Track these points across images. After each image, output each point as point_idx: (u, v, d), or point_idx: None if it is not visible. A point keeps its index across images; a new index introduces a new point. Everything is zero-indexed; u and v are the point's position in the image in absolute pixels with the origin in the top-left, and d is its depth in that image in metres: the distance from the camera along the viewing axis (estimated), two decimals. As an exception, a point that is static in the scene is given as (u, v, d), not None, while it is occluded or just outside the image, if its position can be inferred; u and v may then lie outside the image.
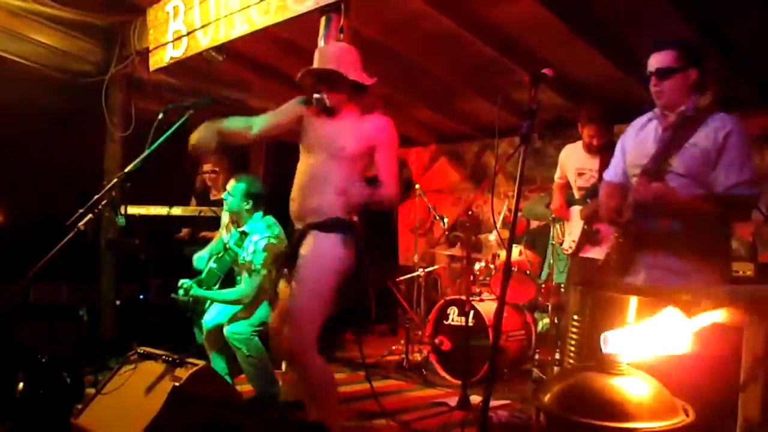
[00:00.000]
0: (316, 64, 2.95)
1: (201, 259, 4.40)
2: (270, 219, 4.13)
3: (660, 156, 2.65)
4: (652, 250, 2.68)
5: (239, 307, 3.98)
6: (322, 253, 2.83)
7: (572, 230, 4.48)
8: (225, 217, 4.42)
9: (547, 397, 1.41)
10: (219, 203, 5.34)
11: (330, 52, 3.01)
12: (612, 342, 1.36)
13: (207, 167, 5.62)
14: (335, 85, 2.91)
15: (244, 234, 4.09)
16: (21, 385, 3.23)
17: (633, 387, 1.38)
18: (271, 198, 4.19)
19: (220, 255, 4.29)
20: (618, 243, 2.77)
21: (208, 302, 4.19)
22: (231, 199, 4.09)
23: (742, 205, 2.66)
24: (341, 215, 2.88)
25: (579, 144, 4.43)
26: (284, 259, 3.03)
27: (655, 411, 1.33)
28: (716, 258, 2.67)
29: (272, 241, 3.97)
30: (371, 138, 2.91)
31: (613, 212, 2.77)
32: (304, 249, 2.85)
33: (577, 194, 4.45)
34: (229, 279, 4.31)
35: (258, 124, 3.07)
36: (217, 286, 4.23)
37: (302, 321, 2.77)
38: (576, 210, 4.43)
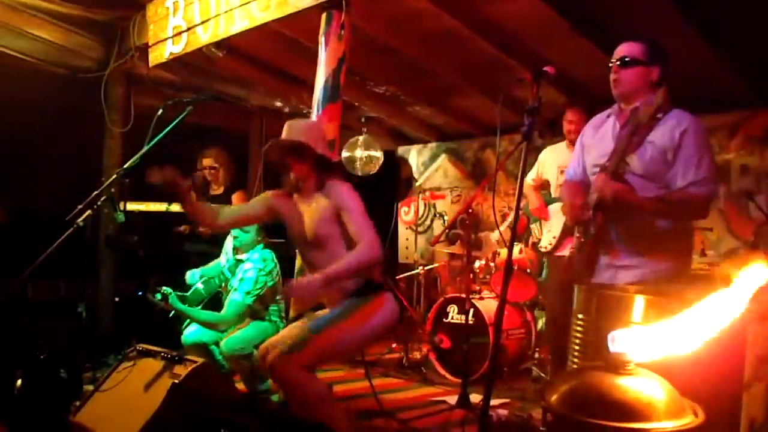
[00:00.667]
0: (284, 136, 3.00)
1: (192, 275, 4.38)
2: (268, 253, 4.11)
3: (617, 154, 2.64)
4: (613, 248, 2.69)
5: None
6: (369, 313, 2.91)
7: (551, 228, 4.59)
8: (228, 244, 4.38)
9: (554, 397, 1.39)
10: (217, 199, 5.33)
11: (299, 126, 3.06)
12: (619, 341, 1.34)
13: (207, 162, 5.59)
14: (301, 157, 2.97)
15: (239, 261, 4.09)
16: (19, 382, 3.23)
17: (642, 387, 1.36)
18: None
19: (210, 278, 4.29)
20: (580, 242, 2.78)
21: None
22: (244, 234, 4.06)
23: (698, 204, 2.65)
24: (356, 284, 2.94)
25: (561, 144, 4.59)
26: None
27: (665, 411, 1.31)
28: (676, 255, 2.67)
29: (261, 275, 3.98)
30: (332, 206, 2.93)
31: (578, 210, 2.77)
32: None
33: (557, 192, 4.54)
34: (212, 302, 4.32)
35: (225, 214, 3.17)
36: (199, 307, 4.21)
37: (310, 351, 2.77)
38: (556, 208, 4.51)
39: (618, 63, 2.72)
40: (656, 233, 2.63)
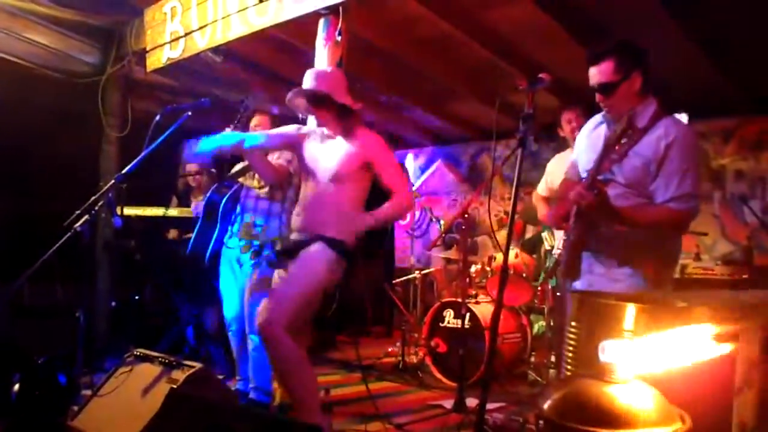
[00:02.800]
0: (306, 86, 3.11)
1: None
2: None
3: (600, 162, 2.50)
4: (592, 255, 2.67)
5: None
6: (321, 259, 3.02)
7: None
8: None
9: (546, 405, 1.43)
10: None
11: (321, 75, 3.17)
12: (609, 351, 1.37)
13: (191, 168, 5.55)
14: (324, 106, 3.10)
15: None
16: (17, 386, 3.23)
17: (630, 395, 1.39)
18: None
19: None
20: (564, 246, 2.77)
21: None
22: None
23: (677, 219, 2.57)
24: (341, 237, 3.04)
25: (567, 152, 4.47)
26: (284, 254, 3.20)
27: (652, 419, 1.35)
28: (655, 263, 2.60)
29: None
30: (362, 156, 3.09)
31: (558, 219, 2.86)
32: (306, 251, 3.03)
33: None
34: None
35: (251, 140, 3.35)
36: None
37: (281, 302, 2.97)
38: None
39: (597, 90, 2.63)
40: (636, 240, 2.57)
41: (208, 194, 4.37)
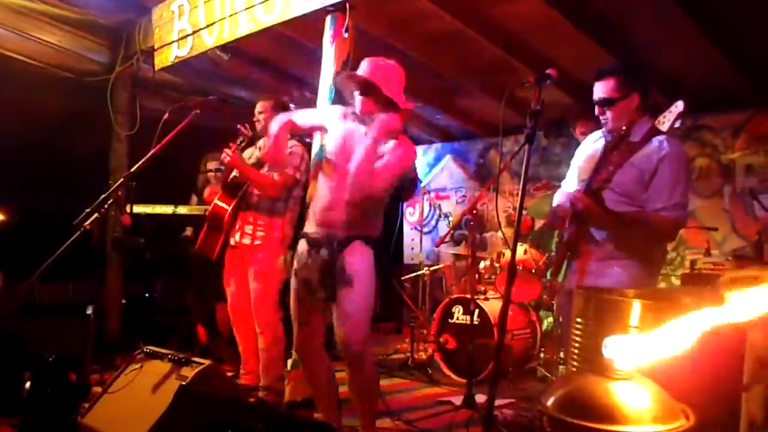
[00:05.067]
0: (360, 71, 3.02)
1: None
2: None
3: (599, 171, 2.77)
4: (583, 255, 2.82)
5: None
6: (367, 260, 2.97)
7: None
8: None
9: (550, 401, 1.43)
10: None
11: (375, 64, 3.05)
12: (613, 347, 1.37)
13: (211, 165, 5.60)
14: (368, 94, 2.99)
15: None
16: (28, 383, 3.25)
17: (633, 391, 1.39)
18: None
19: None
20: (557, 247, 2.93)
21: None
22: None
23: (667, 227, 2.77)
24: (375, 232, 3.03)
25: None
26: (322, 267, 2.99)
27: (655, 415, 1.35)
28: (641, 266, 2.76)
29: None
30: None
31: (558, 221, 2.96)
32: (349, 259, 2.91)
33: None
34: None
35: (303, 116, 3.24)
36: None
37: (361, 319, 2.92)
38: None
39: (599, 104, 2.84)
40: (625, 242, 2.74)
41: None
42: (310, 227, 3.05)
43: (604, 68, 2.88)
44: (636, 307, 1.52)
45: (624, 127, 2.74)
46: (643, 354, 1.33)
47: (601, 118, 2.88)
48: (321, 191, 3.03)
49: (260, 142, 4.31)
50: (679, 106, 2.74)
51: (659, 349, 1.32)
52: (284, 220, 4.09)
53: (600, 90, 2.83)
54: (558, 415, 1.37)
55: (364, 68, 3.02)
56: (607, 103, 2.81)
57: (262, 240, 4.05)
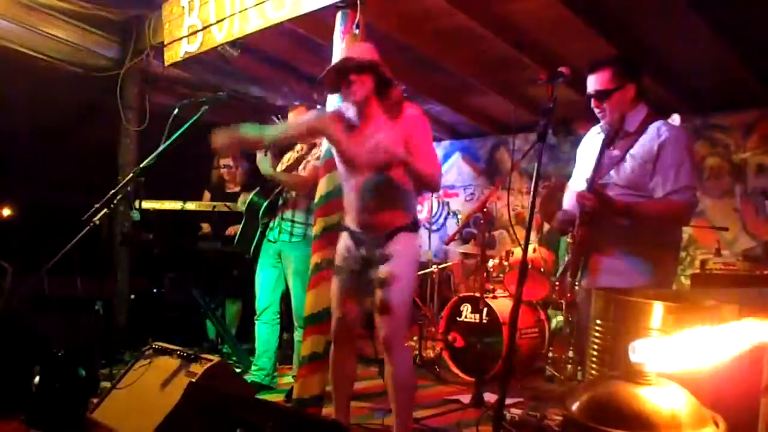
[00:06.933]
0: (348, 55, 2.93)
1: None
2: None
3: (599, 168, 2.74)
4: (596, 252, 2.77)
5: None
6: (411, 251, 2.98)
7: None
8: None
9: (575, 406, 1.39)
10: (234, 197, 5.35)
11: (363, 47, 3.01)
12: (640, 351, 1.34)
13: (224, 161, 5.63)
14: (364, 75, 2.85)
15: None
16: (37, 378, 3.25)
17: (663, 397, 1.35)
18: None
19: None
20: (570, 248, 2.86)
21: None
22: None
23: (679, 211, 2.71)
24: (412, 218, 3.02)
25: None
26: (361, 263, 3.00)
27: (687, 421, 1.30)
28: (656, 254, 2.70)
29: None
30: (406, 134, 2.86)
31: (562, 223, 2.93)
32: (392, 249, 2.90)
33: None
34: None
35: (273, 132, 3.26)
36: None
37: (401, 314, 2.92)
38: None
39: (595, 96, 2.81)
40: (637, 233, 2.68)
41: (249, 197, 4.63)
42: (351, 223, 3.02)
43: (598, 60, 2.84)
44: (658, 309, 1.50)
45: (621, 119, 2.73)
46: (674, 359, 1.29)
47: (596, 111, 2.84)
48: (348, 196, 3.01)
49: (297, 146, 4.46)
50: (675, 119, 2.73)
51: (695, 357, 1.27)
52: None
53: (594, 82, 2.80)
54: (585, 421, 1.33)
55: (351, 53, 2.92)
56: (602, 95, 2.78)
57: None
